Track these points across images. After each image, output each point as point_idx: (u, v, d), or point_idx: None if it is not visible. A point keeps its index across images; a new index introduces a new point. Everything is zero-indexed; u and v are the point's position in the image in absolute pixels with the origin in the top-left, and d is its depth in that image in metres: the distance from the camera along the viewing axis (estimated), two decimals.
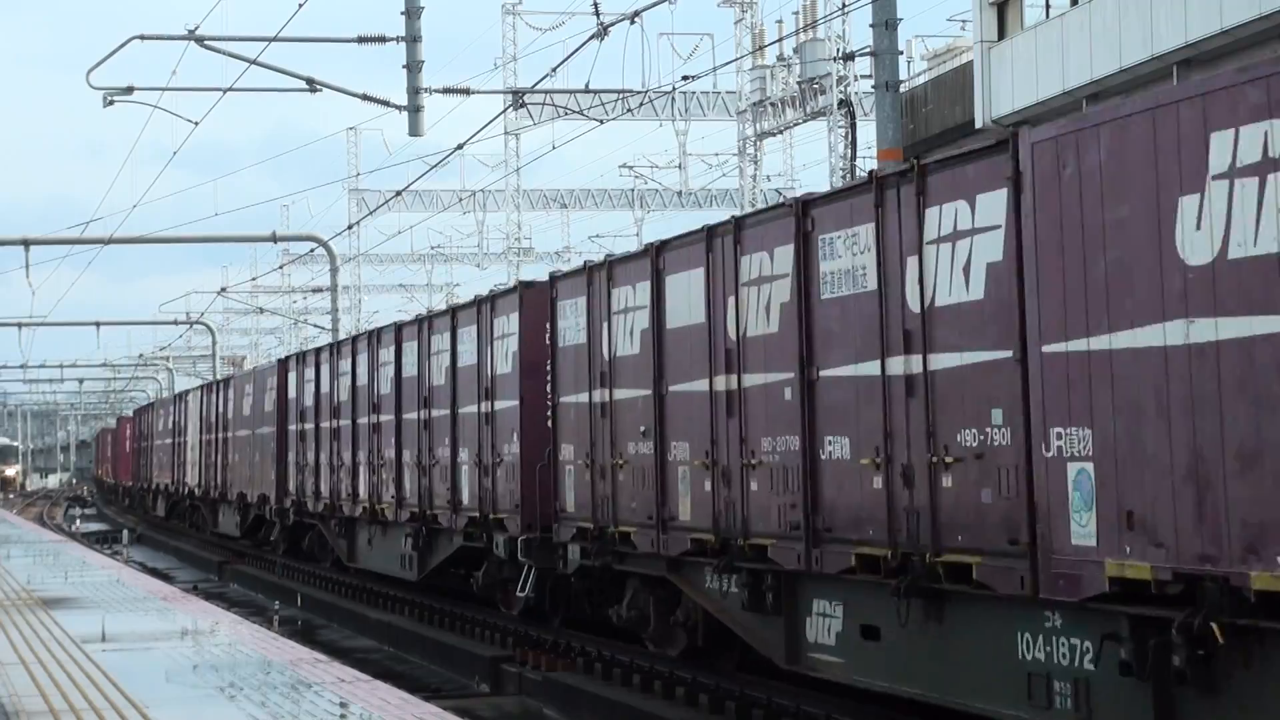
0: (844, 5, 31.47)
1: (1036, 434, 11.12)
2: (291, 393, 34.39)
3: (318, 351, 32.95)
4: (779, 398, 14.31)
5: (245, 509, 40.49)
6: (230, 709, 12.39)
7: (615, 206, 61.25)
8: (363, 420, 28.46)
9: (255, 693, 13.11)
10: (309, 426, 32.59)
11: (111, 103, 29.79)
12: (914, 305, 12.55)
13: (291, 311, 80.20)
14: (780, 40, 45.02)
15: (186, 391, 53.25)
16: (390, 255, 70.65)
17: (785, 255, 14.20)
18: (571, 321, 19.17)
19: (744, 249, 14.96)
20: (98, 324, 64.47)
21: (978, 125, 29.81)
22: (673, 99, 49.34)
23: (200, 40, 27.99)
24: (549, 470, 19.65)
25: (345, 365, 29.96)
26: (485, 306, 22.61)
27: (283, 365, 35.78)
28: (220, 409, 43.88)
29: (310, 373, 32.87)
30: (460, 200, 58.77)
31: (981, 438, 11.73)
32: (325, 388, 31.45)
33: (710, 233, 15.67)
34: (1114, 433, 10.43)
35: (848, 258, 13.45)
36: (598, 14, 23.46)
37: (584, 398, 18.63)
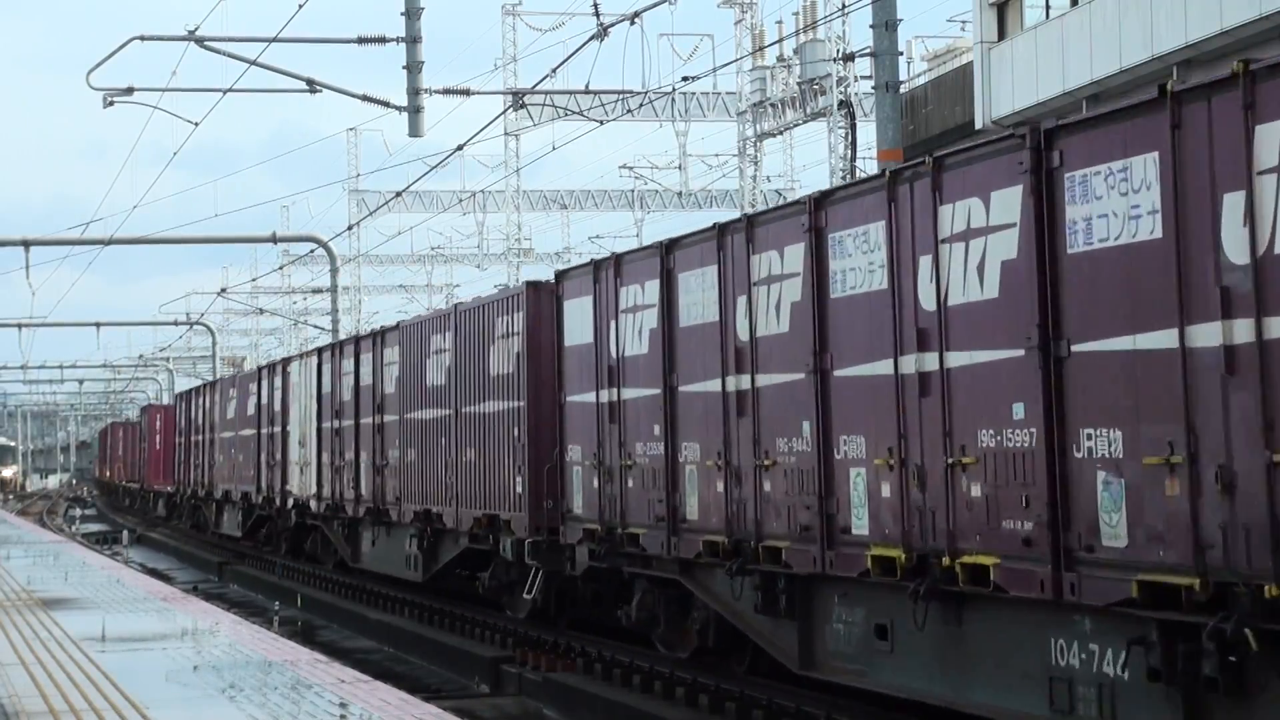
0: (844, 6, 31.48)
1: None
2: (575, 335, 18.85)
3: (667, 247, 16.64)
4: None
5: (435, 537, 25.47)
6: (230, 709, 12.38)
7: (615, 207, 61.24)
8: (865, 368, 13.36)
9: (255, 693, 13.10)
10: (639, 394, 17.23)
11: (111, 103, 29.80)
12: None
13: (291, 312, 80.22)
14: (780, 41, 45.05)
15: (286, 360, 37.13)
16: (390, 256, 70.70)
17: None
18: None
19: None
20: (98, 325, 64.53)
21: (978, 126, 29.83)
22: (673, 100, 49.33)
23: (200, 41, 27.99)
24: None
25: (768, 262, 14.79)
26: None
27: (540, 291, 20.69)
28: (367, 381, 28.72)
29: (644, 292, 17.12)
30: (460, 201, 58.75)
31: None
32: (702, 311, 15.90)
33: None
34: None
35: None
36: (598, 14, 23.47)
37: None
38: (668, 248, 16.62)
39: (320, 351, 33.08)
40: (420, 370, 25.44)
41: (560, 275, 19.60)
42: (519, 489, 20.96)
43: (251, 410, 39.39)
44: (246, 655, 15.58)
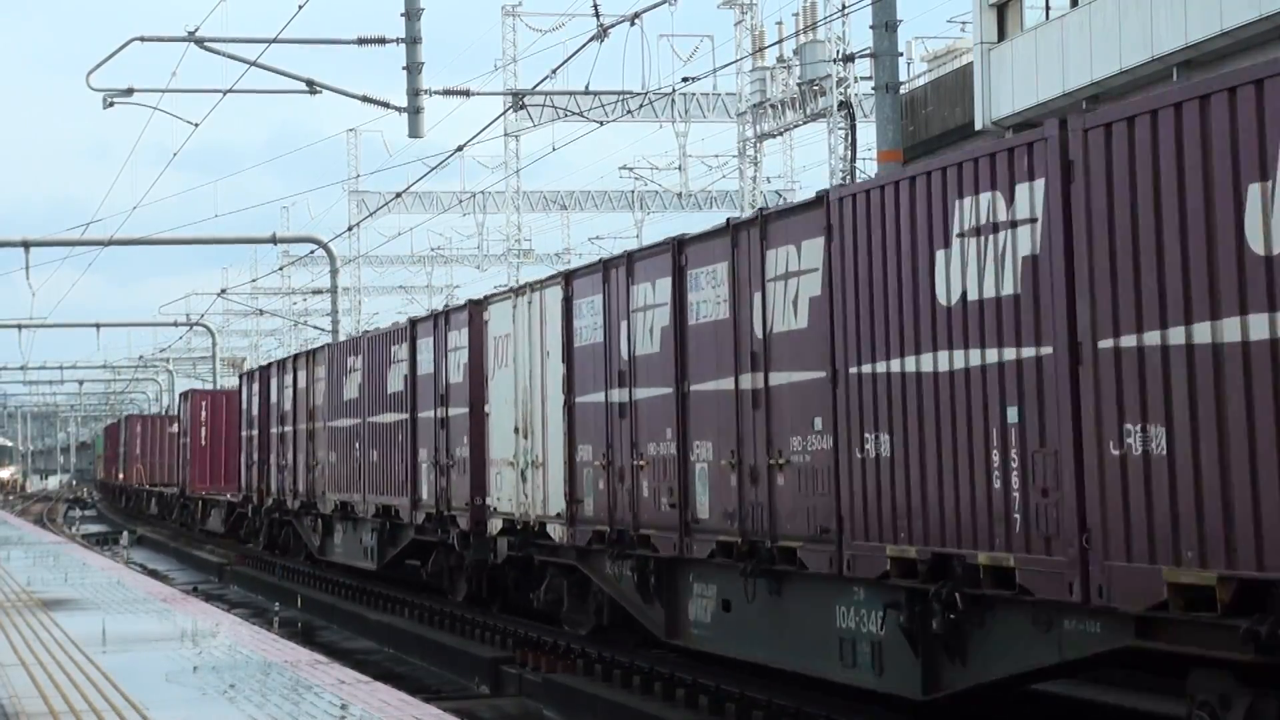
0: (844, 7, 31.49)
1: None
2: None
3: None
4: None
5: (965, 613, 12.11)
6: (230, 710, 12.38)
7: (615, 208, 61.24)
8: None
9: (255, 694, 13.10)
10: None
11: (111, 104, 29.81)
12: None
13: (291, 313, 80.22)
14: (780, 42, 45.03)
15: (480, 301, 23.24)
16: (390, 257, 70.75)
17: None
18: None
19: None
20: (98, 325, 64.66)
21: (978, 127, 29.83)
22: (673, 101, 49.33)
23: (200, 42, 28.01)
24: None
25: None
26: None
27: None
28: (708, 315, 15.90)
29: None
30: (460, 202, 58.76)
31: None
32: None
33: None
34: None
35: None
36: (598, 15, 23.49)
37: None
38: None
39: (569, 278, 19.69)
40: (908, 286, 12.70)
41: None
42: None
43: (396, 385, 27.02)
44: (246, 656, 15.58)
